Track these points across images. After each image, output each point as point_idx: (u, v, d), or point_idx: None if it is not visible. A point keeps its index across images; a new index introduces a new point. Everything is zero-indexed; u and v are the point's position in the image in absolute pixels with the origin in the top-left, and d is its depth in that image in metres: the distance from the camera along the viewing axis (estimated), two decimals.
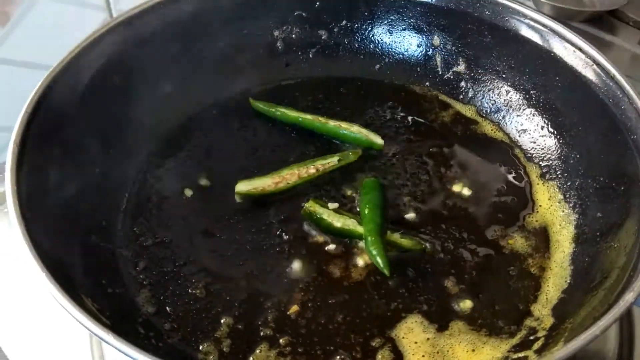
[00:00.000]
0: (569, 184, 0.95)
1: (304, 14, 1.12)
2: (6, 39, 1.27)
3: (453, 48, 1.10)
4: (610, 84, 0.88)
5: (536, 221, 0.93)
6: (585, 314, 0.71)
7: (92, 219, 0.85)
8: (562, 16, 1.41)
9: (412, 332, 0.79)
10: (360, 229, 0.87)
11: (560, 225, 0.92)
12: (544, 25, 0.98)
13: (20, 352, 0.85)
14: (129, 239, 0.88)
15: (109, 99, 0.92)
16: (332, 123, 1.03)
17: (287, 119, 1.05)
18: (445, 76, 1.12)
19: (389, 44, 1.14)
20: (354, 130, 1.02)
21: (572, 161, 0.95)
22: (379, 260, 0.82)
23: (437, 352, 0.77)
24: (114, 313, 0.74)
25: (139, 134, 0.97)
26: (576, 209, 0.92)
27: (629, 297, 0.63)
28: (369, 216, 0.88)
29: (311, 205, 0.91)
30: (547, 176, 0.98)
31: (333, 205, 0.92)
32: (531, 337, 0.78)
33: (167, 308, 0.81)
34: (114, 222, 0.89)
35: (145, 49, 0.96)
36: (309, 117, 1.04)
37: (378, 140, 1.01)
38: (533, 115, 1.03)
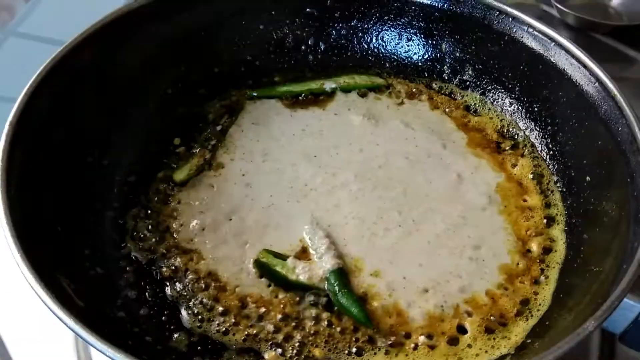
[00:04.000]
0: None
1: (315, 12, 1.12)
2: (29, 15, 1.32)
3: (461, 55, 1.09)
4: (611, 103, 0.86)
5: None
6: (549, 338, 0.70)
7: (82, 207, 0.88)
8: (586, 27, 1.37)
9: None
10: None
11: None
12: (550, 38, 0.95)
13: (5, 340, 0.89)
14: (117, 225, 0.90)
15: (107, 93, 0.95)
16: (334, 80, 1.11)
17: (293, 93, 1.10)
18: (452, 82, 1.11)
19: (398, 47, 1.13)
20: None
21: (566, 180, 0.94)
22: (355, 313, 0.80)
23: None
24: (92, 295, 0.76)
25: (135, 127, 0.99)
26: (565, 229, 0.90)
27: (589, 325, 0.62)
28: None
29: (264, 256, 0.85)
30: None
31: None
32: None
33: (147, 294, 0.83)
34: (103, 209, 0.91)
35: (150, 42, 0.99)
36: (313, 85, 1.10)
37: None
38: (534, 128, 1.01)
